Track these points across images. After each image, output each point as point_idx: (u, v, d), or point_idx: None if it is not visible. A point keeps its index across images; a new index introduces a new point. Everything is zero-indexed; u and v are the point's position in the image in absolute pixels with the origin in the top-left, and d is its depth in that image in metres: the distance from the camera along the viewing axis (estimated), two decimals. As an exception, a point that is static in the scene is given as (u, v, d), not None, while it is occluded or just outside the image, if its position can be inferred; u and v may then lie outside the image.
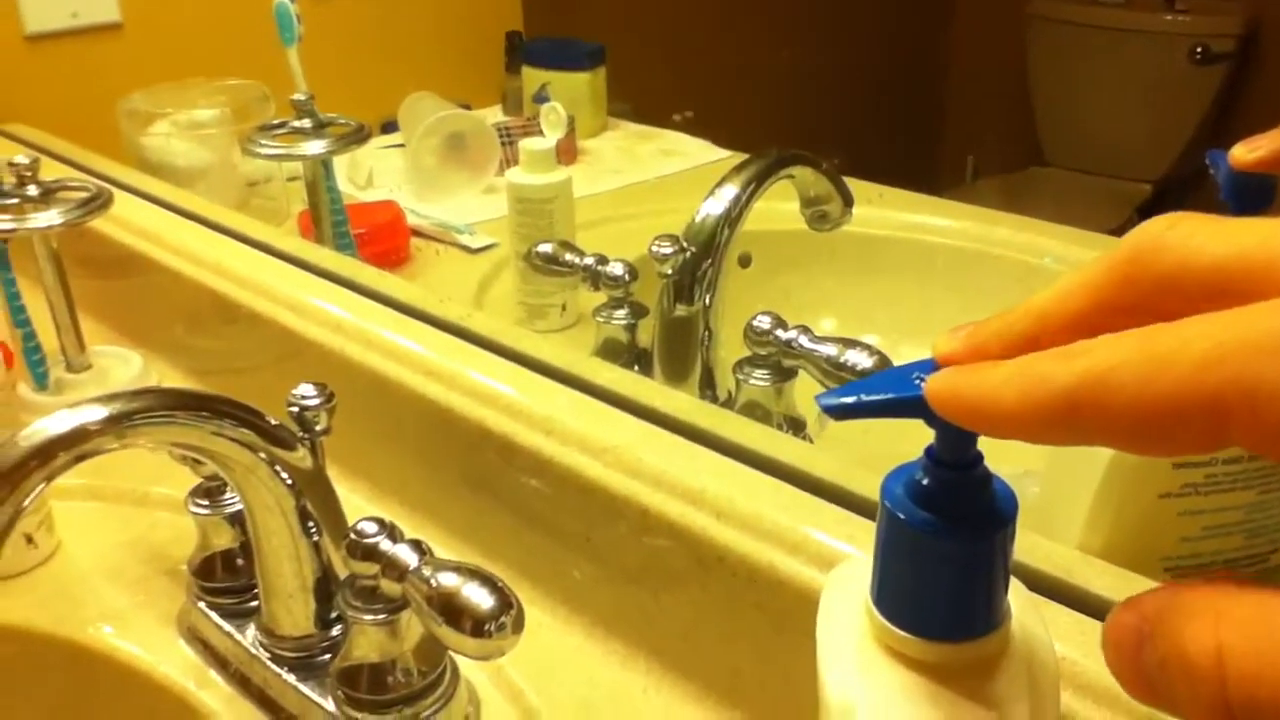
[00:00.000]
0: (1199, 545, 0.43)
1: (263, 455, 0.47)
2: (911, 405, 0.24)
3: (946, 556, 0.27)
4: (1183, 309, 0.20)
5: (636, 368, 0.71)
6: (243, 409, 0.46)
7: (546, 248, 0.73)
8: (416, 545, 0.45)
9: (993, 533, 0.27)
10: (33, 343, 0.73)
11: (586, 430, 0.53)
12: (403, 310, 0.66)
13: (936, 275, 0.89)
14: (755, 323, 0.62)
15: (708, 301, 0.67)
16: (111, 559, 0.62)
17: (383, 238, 0.93)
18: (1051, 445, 0.21)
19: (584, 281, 0.72)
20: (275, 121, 0.84)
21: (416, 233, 0.98)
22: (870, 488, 0.46)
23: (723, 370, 0.69)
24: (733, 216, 0.66)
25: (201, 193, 0.93)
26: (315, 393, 0.50)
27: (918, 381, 0.24)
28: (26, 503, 0.40)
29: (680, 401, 0.55)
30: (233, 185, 1.01)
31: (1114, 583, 0.40)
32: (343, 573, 0.50)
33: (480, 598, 0.41)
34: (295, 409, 0.49)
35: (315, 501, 0.49)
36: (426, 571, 0.43)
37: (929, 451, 0.27)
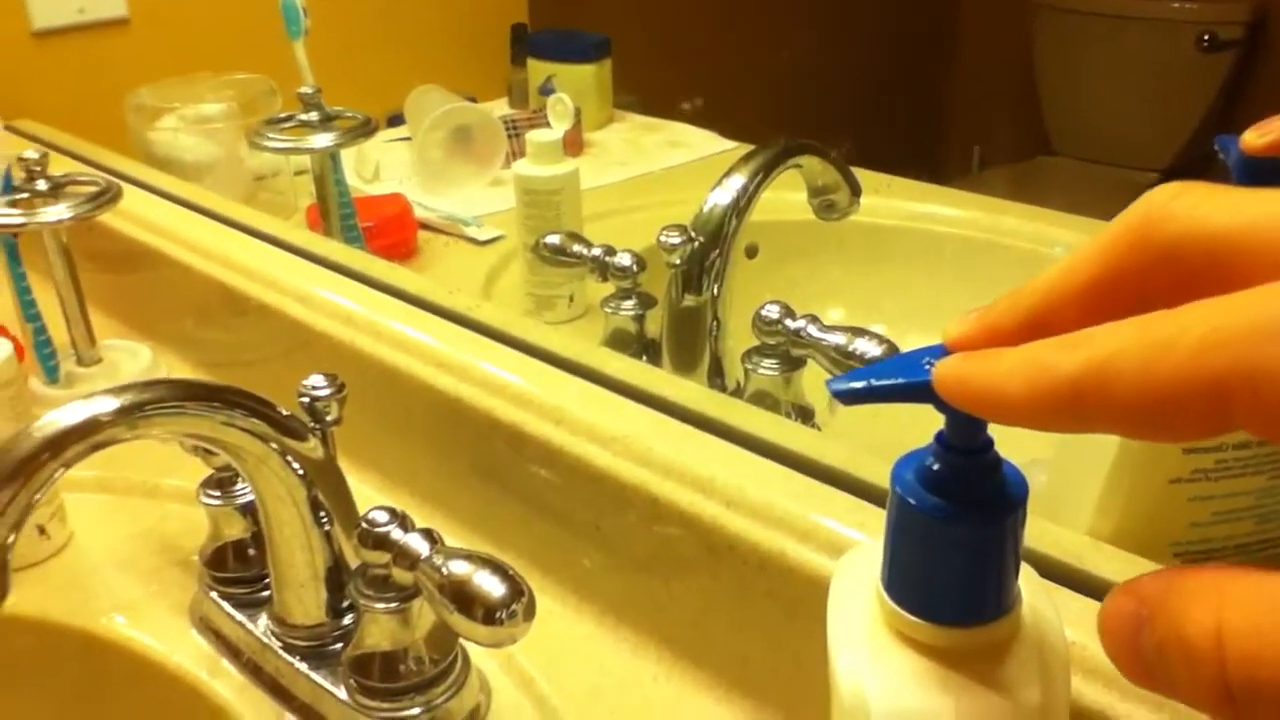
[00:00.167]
0: (1209, 531, 0.43)
1: (274, 445, 0.47)
2: (921, 391, 0.24)
3: (957, 541, 0.27)
4: (1188, 278, 0.21)
5: (645, 358, 0.71)
6: (254, 399, 0.47)
7: (554, 239, 0.73)
8: (428, 534, 0.45)
9: (1003, 517, 0.27)
10: (43, 336, 0.74)
11: (596, 419, 0.53)
12: (412, 302, 0.66)
13: (945, 265, 0.88)
14: (764, 312, 0.62)
15: (716, 291, 0.67)
16: (123, 550, 0.62)
17: (390, 230, 0.93)
18: (1058, 433, 0.21)
19: (592, 272, 0.72)
20: (282, 115, 0.84)
21: (424, 225, 0.98)
22: (880, 475, 0.47)
23: (731, 360, 0.70)
24: (740, 206, 0.66)
25: (209, 187, 0.93)
26: (326, 383, 0.50)
27: (928, 367, 0.24)
28: (40, 494, 0.40)
29: (690, 391, 0.55)
30: (240, 179, 1.01)
31: (1124, 568, 0.40)
32: (354, 562, 0.50)
33: (492, 585, 0.42)
34: (306, 399, 0.50)
35: (326, 491, 0.50)
36: (438, 560, 0.43)
37: (939, 437, 0.27)
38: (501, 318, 0.63)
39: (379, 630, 0.47)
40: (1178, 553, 0.43)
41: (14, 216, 0.69)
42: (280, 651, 0.52)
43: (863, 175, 0.72)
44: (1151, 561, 0.41)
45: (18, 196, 0.70)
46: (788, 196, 0.71)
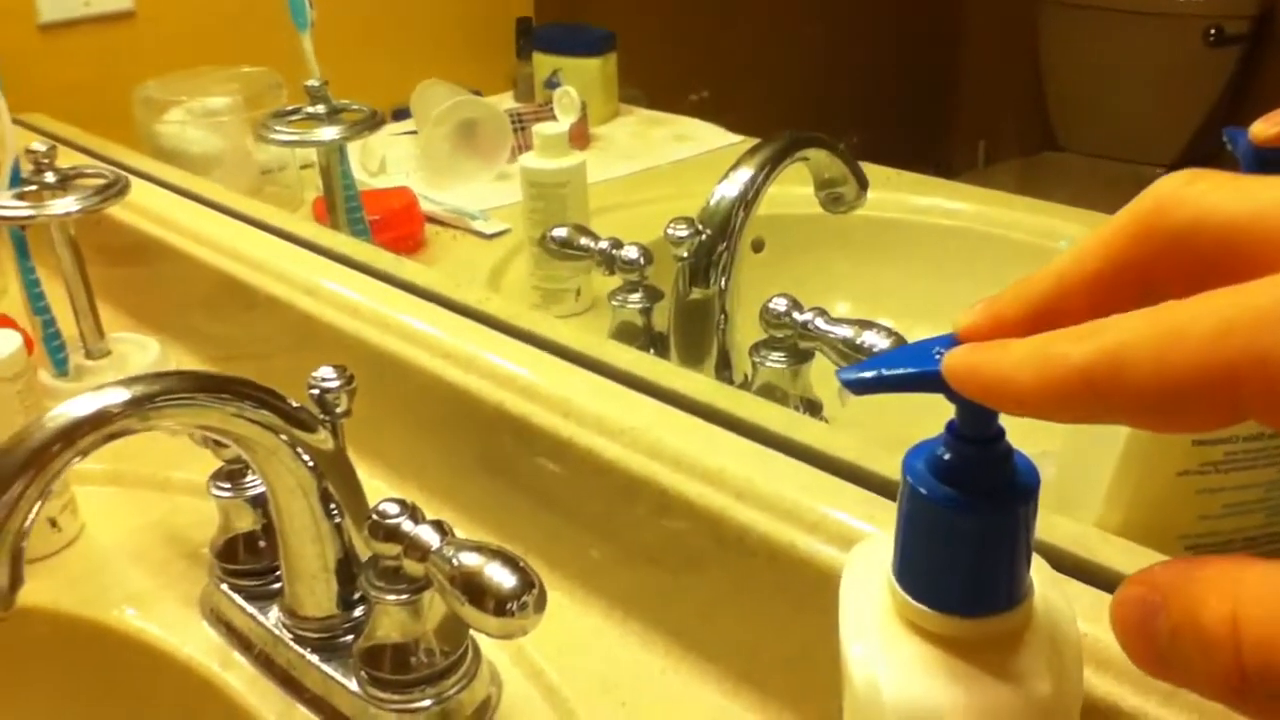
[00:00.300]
0: (1218, 523, 0.43)
1: (284, 437, 0.47)
2: (931, 380, 0.24)
3: (969, 531, 0.27)
4: (1198, 265, 0.21)
5: (652, 351, 0.71)
6: (264, 391, 0.47)
7: (561, 232, 0.73)
8: (438, 526, 0.45)
9: (1015, 506, 0.27)
10: (52, 329, 0.74)
11: (604, 411, 0.53)
12: (420, 294, 0.66)
13: (950, 259, 0.88)
14: (771, 305, 0.62)
15: (723, 284, 0.68)
16: (134, 542, 0.62)
17: (397, 223, 0.93)
18: (1068, 423, 0.21)
19: (599, 266, 0.72)
20: (289, 108, 0.84)
21: (430, 219, 0.98)
22: (889, 467, 0.47)
23: (738, 353, 0.70)
24: (748, 199, 0.66)
25: (216, 180, 0.93)
26: (335, 375, 0.50)
27: (937, 356, 0.24)
28: (52, 485, 0.40)
29: (698, 383, 0.55)
30: (247, 172, 1.01)
31: (1133, 560, 0.40)
32: (364, 554, 0.51)
33: (502, 577, 0.42)
34: (316, 391, 0.50)
35: (337, 483, 0.50)
36: (449, 551, 0.43)
37: (950, 426, 0.27)
38: (510, 310, 0.63)
39: (390, 622, 0.47)
40: (1187, 545, 0.43)
41: (22, 209, 0.69)
42: (291, 643, 0.52)
43: (869, 169, 0.72)
44: (1160, 554, 0.41)
45: (26, 189, 0.70)
46: (794, 190, 0.71)
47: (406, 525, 0.45)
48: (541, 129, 0.84)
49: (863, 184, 0.71)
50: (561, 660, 0.52)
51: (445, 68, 1.18)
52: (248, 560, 0.55)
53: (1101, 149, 2.09)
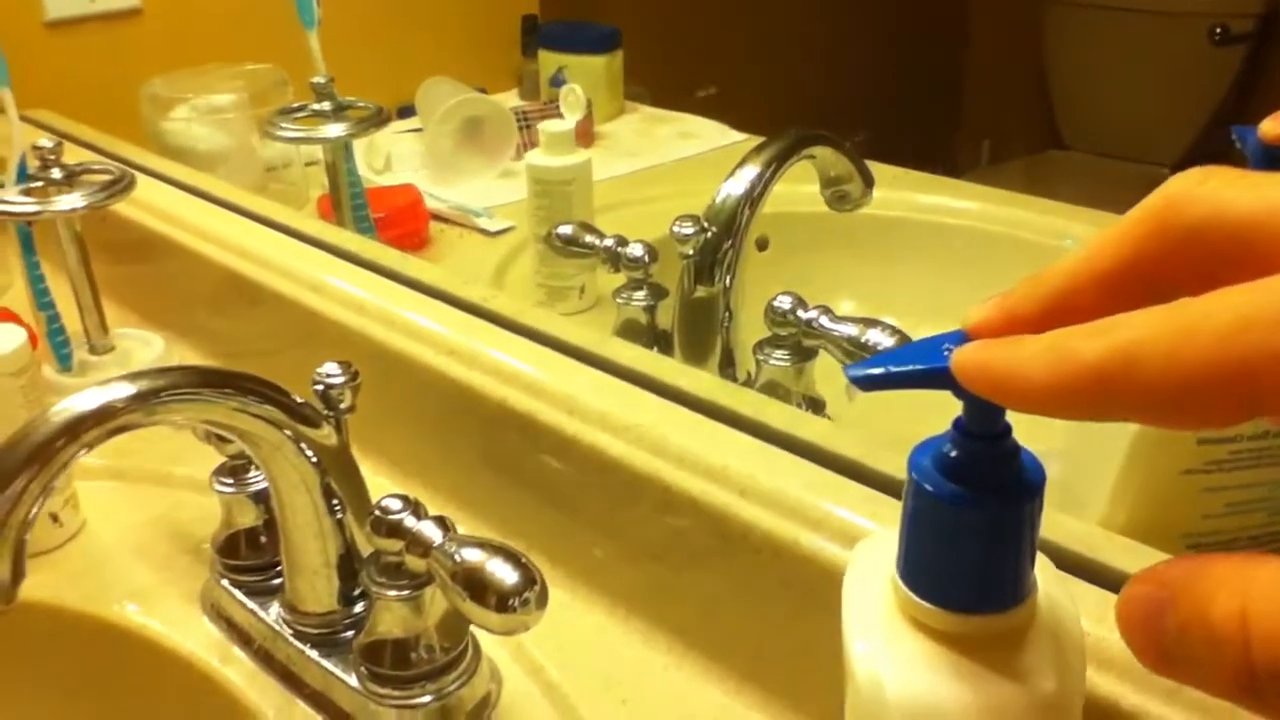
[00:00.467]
0: (1222, 522, 0.43)
1: (288, 432, 0.47)
2: (939, 377, 0.24)
3: (974, 527, 0.27)
4: (1211, 262, 0.20)
5: (656, 349, 0.71)
6: (268, 386, 0.47)
7: (566, 229, 0.73)
8: (440, 521, 0.45)
9: (1021, 503, 0.27)
10: (56, 325, 0.74)
11: (608, 409, 0.53)
12: (425, 291, 0.66)
13: (955, 257, 0.88)
14: (776, 303, 0.62)
15: (728, 282, 0.67)
16: (135, 537, 0.62)
17: (402, 221, 0.93)
18: (1079, 420, 0.21)
19: (604, 263, 0.72)
20: (295, 105, 0.84)
21: (435, 216, 0.98)
22: (892, 465, 0.47)
23: (742, 351, 0.70)
24: (754, 197, 0.66)
25: (222, 177, 0.93)
26: (340, 371, 0.50)
27: (946, 353, 0.24)
28: (57, 479, 0.40)
29: (702, 380, 0.55)
30: (252, 170, 1.01)
31: (1137, 558, 0.40)
32: (366, 550, 0.51)
33: (504, 573, 0.42)
34: (320, 387, 0.50)
35: (339, 479, 0.50)
36: (451, 547, 0.43)
37: (957, 423, 0.27)
38: (514, 307, 0.63)
39: (391, 617, 0.47)
40: (1190, 544, 0.43)
41: (28, 205, 0.69)
42: (291, 639, 0.52)
43: (875, 167, 0.72)
44: (1164, 553, 0.41)
45: (32, 185, 0.70)
46: (799, 188, 0.71)
47: (409, 521, 0.45)
48: (547, 126, 0.84)
49: (868, 182, 0.70)
50: (562, 657, 0.52)
51: (450, 65, 1.18)
52: (249, 556, 0.55)
53: (1106, 148, 2.08)
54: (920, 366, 0.25)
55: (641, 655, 0.52)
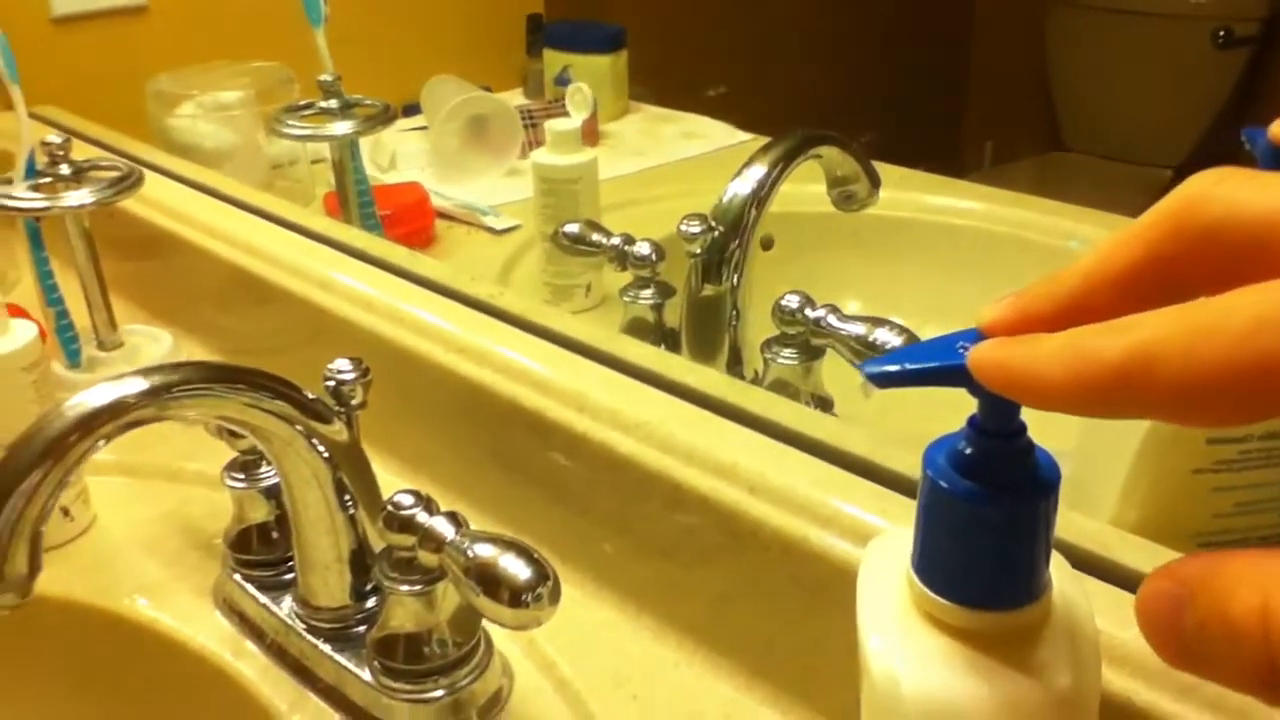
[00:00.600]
0: (1231, 521, 0.43)
1: (300, 428, 0.47)
2: (956, 374, 0.24)
3: (990, 524, 0.27)
4: (1228, 263, 0.21)
5: (663, 347, 0.71)
6: (280, 382, 0.47)
7: (573, 227, 0.73)
8: (453, 517, 0.45)
9: (1037, 500, 0.27)
10: (65, 321, 0.74)
11: (618, 406, 0.53)
12: (433, 289, 0.66)
13: (961, 258, 0.89)
14: (784, 302, 0.62)
15: (735, 281, 0.68)
16: (146, 532, 0.62)
17: (409, 219, 0.93)
18: (1097, 417, 0.21)
19: (611, 261, 0.72)
20: (302, 103, 0.84)
21: (441, 214, 0.98)
22: (901, 463, 0.47)
23: (749, 350, 0.70)
24: (761, 196, 0.66)
25: (227, 174, 0.93)
26: (351, 367, 0.50)
27: (962, 351, 0.24)
28: (71, 474, 0.41)
29: (711, 378, 0.55)
30: (258, 167, 1.02)
31: (1148, 557, 0.40)
32: (377, 545, 0.51)
33: (517, 568, 0.42)
34: (331, 383, 0.50)
35: (351, 474, 0.50)
36: (463, 543, 0.43)
37: (972, 421, 0.27)
38: (523, 305, 0.63)
39: (403, 612, 0.47)
40: (1200, 543, 0.43)
41: (37, 201, 0.69)
42: (304, 633, 0.52)
43: (880, 168, 0.72)
44: (1174, 552, 0.41)
45: (41, 181, 0.70)
46: (804, 188, 0.72)
47: (421, 516, 0.45)
48: (554, 125, 0.84)
49: (875, 182, 0.71)
50: (573, 653, 0.53)
51: (455, 64, 1.18)
52: (261, 551, 0.56)
53: (1109, 150, 2.08)
54: (936, 364, 0.25)
55: (651, 651, 0.53)
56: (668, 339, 0.72)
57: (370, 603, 0.52)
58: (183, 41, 1.12)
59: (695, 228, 0.67)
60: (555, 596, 0.42)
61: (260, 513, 0.55)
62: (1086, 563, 0.40)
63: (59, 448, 0.40)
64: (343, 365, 0.50)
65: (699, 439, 0.50)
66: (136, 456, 0.67)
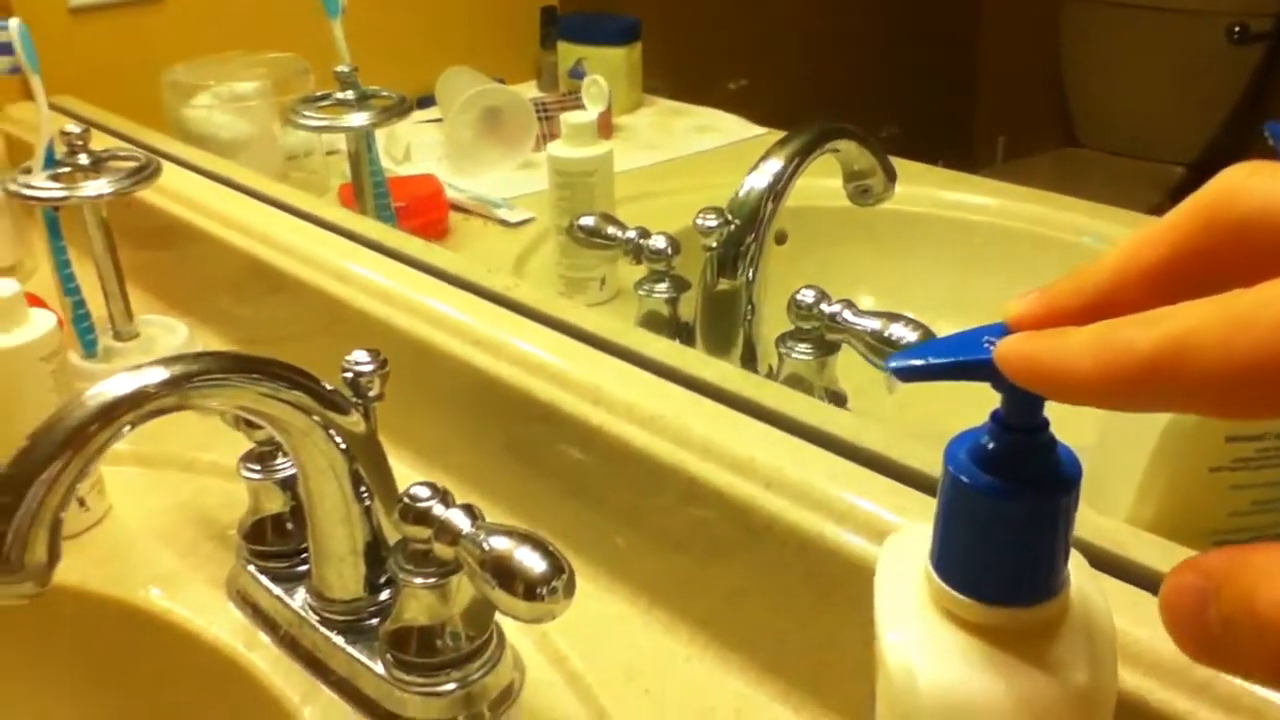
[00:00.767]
0: (1249, 520, 0.43)
1: (317, 419, 0.47)
2: (981, 369, 0.24)
3: (1010, 520, 0.27)
4: (1260, 256, 0.21)
5: (677, 341, 0.71)
6: (298, 373, 0.47)
7: (589, 220, 0.73)
8: (468, 510, 0.45)
9: (1058, 496, 0.27)
10: (82, 310, 0.74)
11: (634, 399, 0.53)
12: (449, 280, 0.66)
13: (975, 253, 0.88)
14: (799, 297, 0.62)
15: (751, 276, 0.68)
16: (161, 522, 0.63)
17: (424, 210, 0.93)
18: (1125, 410, 0.21)
19: (626, 255, 0.72)
20: (318, 94, 0.84)
21: (455, 207, 0.99)
22: (917, 458, 0.47)
23: (764, 345, 0.70)
24: (777, 190, 0.66)
25: (242, 164, 0.94)
26: (369, 359, 0.50)
27: (988, 345, 0.24)
28: (91, 463, 0.41)
29: (727, 372, 0.55)
30: (273, 158, 1.02)
31: (1165, 555, 0.40)
32: (392, 537, 0.51)
33: (533, 561, 0.42)
34: (349, 374, 0.50)
35: (367, 466, 0.50)
36: (479, 535, 0.43)
37: (995, 416, 0.27)
38: (539, 297, 0.64)
39: (417, 605, 0.47)
40: (1217, 541, 0.43)
41: (56, 190, 0.69)
42: (317, 625, 0.52)
43: (898, 164, 0.72)
44: (1191, 549, 0.41)
45: (59, 170, 0.70)
46: (819, 183, 0.71)
47: (437, 509, 0.45)
48: (570, 118, 0.84)
49: (891, 177, 0.71)
50: (585, 647, 0.53)
51: (469, 55, 1.18)
52: (275, 542, 0.56)
53: (1122, 146, 2.07)
54: (962, 358, 0.25)
55: (664, 645, 0.53)
56: (682, 333, 0.72)
57: (384, 595, 0.52)
58: (198, 32, 1.12)
59: (711, 221, 0.67)
60: (570, 590, 0.42)
61: (276, 504, 0.56)
62: (1102, 560, 0.40)
63: (80, 437, 0.41)
64: (361, 357, 0.51)
65: (715, 433, 0.50)
66: (151, 446, 0.67)
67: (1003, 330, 0.25)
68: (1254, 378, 0.19)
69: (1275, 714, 0.35)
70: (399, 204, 0.88)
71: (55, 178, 0.70)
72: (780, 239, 0.84)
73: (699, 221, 0.67)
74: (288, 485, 0.55)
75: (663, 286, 0.71)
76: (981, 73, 2.32)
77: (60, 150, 0.71)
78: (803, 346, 0.63)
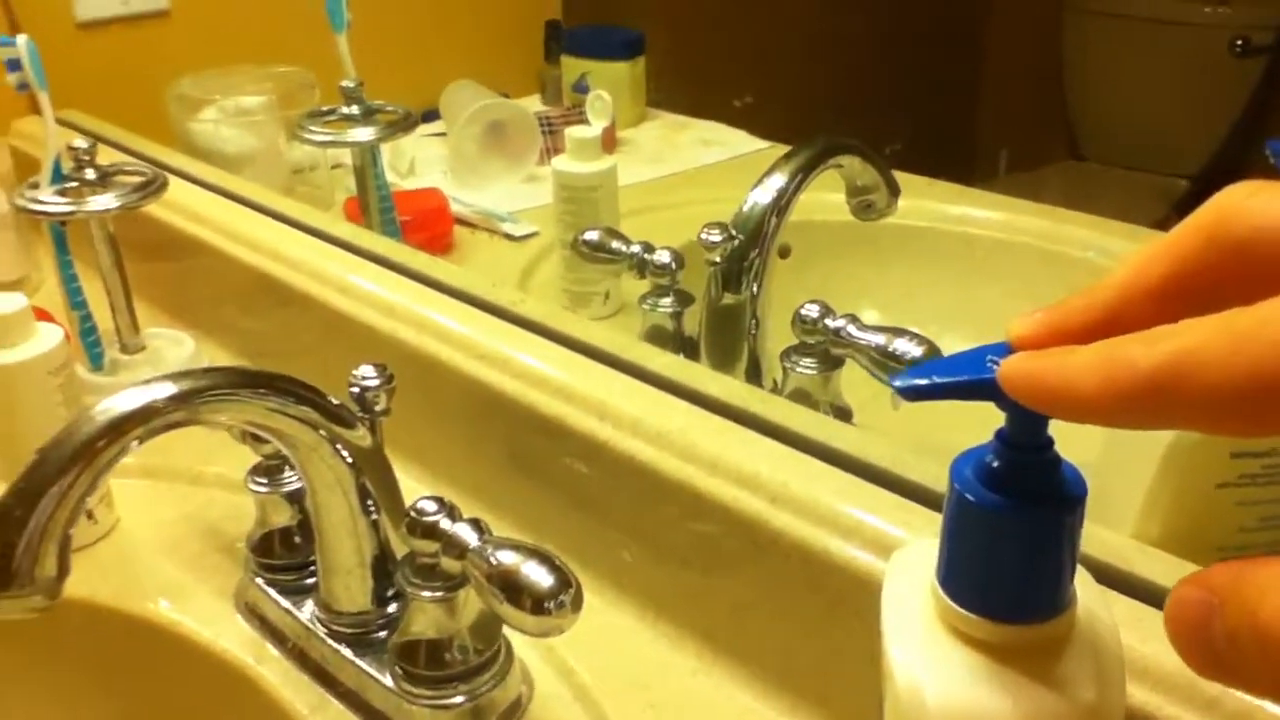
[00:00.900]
0: (1255, 536, 0.43)
1: (324, 433, 0.48)
2: (985, 388, 0.25)
3: (1015, 537, 0.27)
4: (1261, 274, 0.21)
5: (682, 355, 0.72)
6: (305, 388, 0.47)
7: (593, 235, 0.73)
8: (475, 524, 0.45)
9: (1063, 514, 0.27)
10: (89, 324, 0.75)
11: (639, 414, 0.53)
12: (454, 295, 0.66)
13: (978, 267, 0.89)
14: (804, 311, 0.62)
15: (755, 290, 0.68)
16: (168, 535, 0.63)
17: (428, 224, 0.93)
18: (1129, 428, 0.21)
19: (630, 269, 0.72)
20: (324, 108, 0.85)
21: (459, 221, 0.99)
22: (923, 473, 0.47)
23: (768, 359, 0.70)
24: (781, 205, 0.67)
25: (248, 178, 0.94)
26: (375, 374, 0.51)
27: (991, 364, 0.25)
28: (101, 478, 0.41)
29: (733, 387, 0.56)
30: (279, 172, 1.02)
31: (1171, 571, 0.40)
32: (400, 551, 0.51)
33: (540, 576, 0.42)
34: (356, 389, 0.50)
35: (374, 479, 0.50)
36: (486, 549, 0.44)
37: (1000, 434, 0.27)
38: (544, 312, 0.64)
39: (425, 618, 0.47)
40: (1222, 558, 0.43)
41: (63, 205, 0.70)
42: (325, 638, 0.53)
43: (901, 178, 0.72)
44: (1197, 566, 0.41)
45: (67, 185, 0.71)
46: (822, 197, 0.72)
47: (445, 523, 0.45)
48: (574, 132, 0.85)
49: (894, 192, 0.71)
50: (592, 660, 0.53)
51: (473, 69, 1.19)
52: (283, 555, 0.56)
53: (1124, 159, 2.08)
54: (966, 378, 0.25)
55: (670, 659, 0.53)
56: (686, 347, 0.72)
57: (392, 608, 0.52)
58: (204, 46, 1.12)
59: (715, 236, 0.67)
60: (577, 604, 0.42)
61: (283, 517, 0.56)
62: (1109, 576, 0.40)
63: (89, 452, 0.41)
64: (367, 371, 0.51)
65: (721, 448, 0.50)
66: (158, 459, 0.67)
67: (1006, 349, 0.25)
68: (1253, 395, 0.19)
69: (1282, 730, 0.35)
70: (404, 218, 0.88)
71: (62, 192, 0.70)
72: (784, 253, 0.84)
73: (703, 237, 0.67)
74: (295, 498, 0.56)
75: (667, 301, 0.71)
76: (984, 86, 2.32)
77: (67, 165, 0.71)
78: (807, 361, 0.63)
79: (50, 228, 0.73)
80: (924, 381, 0.26)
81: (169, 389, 0.43)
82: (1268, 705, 0.35)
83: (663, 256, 0.71)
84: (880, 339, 0.59)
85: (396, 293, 0.67)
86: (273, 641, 0.55)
